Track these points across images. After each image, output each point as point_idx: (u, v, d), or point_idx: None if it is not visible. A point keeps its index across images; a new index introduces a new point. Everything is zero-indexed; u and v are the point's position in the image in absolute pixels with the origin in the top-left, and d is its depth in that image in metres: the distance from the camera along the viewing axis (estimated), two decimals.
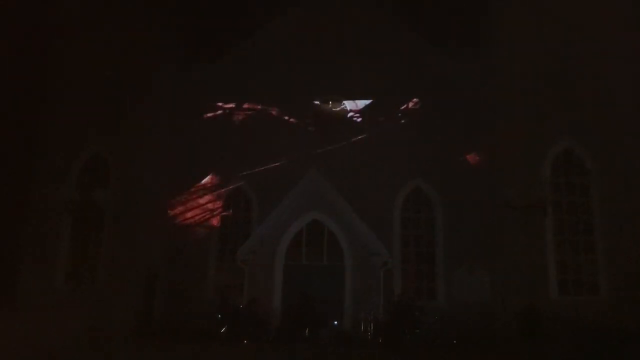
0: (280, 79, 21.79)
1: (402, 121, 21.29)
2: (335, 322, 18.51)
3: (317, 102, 22.13)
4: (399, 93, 21.41)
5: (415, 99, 21.23)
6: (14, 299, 19.74)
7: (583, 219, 18.78)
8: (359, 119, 21.72)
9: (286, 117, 22.09)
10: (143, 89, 20.82)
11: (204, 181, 21.85)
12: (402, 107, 21.40)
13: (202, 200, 21.77)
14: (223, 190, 21.84)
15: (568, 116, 18.95)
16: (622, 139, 18.59)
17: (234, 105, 22.33)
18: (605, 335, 15.63)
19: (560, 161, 19.23)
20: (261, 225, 20.51)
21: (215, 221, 21.67)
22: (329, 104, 22.11)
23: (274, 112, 22.13)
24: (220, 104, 22.35)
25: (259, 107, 22.14)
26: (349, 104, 21.89)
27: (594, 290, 18.15)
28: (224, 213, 21.75)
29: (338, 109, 22.02)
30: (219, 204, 21.82)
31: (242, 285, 19.84)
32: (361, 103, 21.78)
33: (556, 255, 18.51)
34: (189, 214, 21.61)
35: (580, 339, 15.94)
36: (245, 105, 22.24)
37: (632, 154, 18.45)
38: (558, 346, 16.09)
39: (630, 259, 17.66)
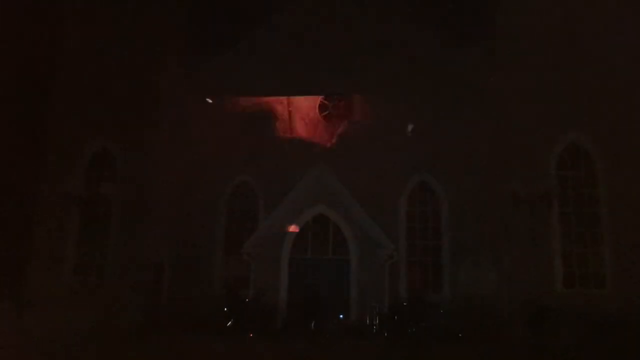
0: (286, 73, 21.71)
1: (408, 114, 21.17)
2: (341, 315, 18.59)
3: (323, 96, 22.10)
4: (405, 86, 21.28)
5: (420, 92, 21.10)
6: (23, 293, 19.91)
7: (589, 211, 18.71)
8: (365, 113, 21.66)
9: (292, 111, 22.06)
10: (150, 83, 20.91)
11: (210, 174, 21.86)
12: (407, 100, 21.28)
13: (208, 194, 21.80)
14: (229, 183, 21.92)
15: (574, 108, 18.86)
16: (628, 130, 18.47)
17: (240, 100, 22.31)
18: (611, 328, 15.64)
19: (566, 153, 19.16)
20: (267, 218, 20.60)
21: (221, 215, 21.72)
22: (334, 98, 22.08)
23: (280, 106, 22.12)
24: (226, 98, 22.32)
25: (266, 101, 22.12)
26: (354, 98, 21.83)
27: (600, 283, 18.11)
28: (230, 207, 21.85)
29: (344, 102, 21.99)
30: (224, 197, 21.90)
31: (248, 279, 19.97)
32: (367, 97, 21.71)
33: (562, 247, 18.48)
34: (195, 208, 21.64)
35: (585, 331, 15.96)
36: (252, 100, 22.22)
37: (638, 146, 18.34)
38: (563, 339, 16.11)
39: (637, 252, 17.60)
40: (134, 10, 21.43)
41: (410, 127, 19.77)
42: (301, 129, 21.81)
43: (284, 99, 22.07)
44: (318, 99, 22.12)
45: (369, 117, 21.52)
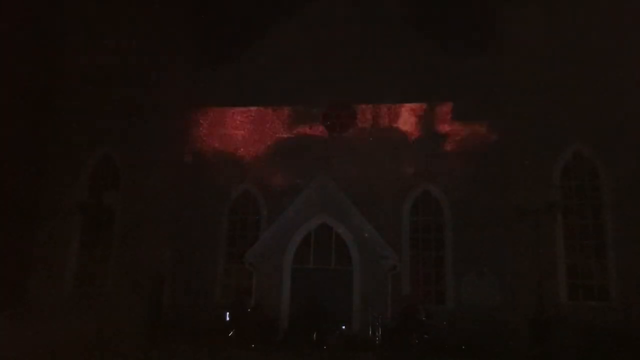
0: (289, 82, 21.75)
1: (412, 124, 21.17)
2: (343, 326, 18.46)
3: (326, 105, 22.09)
4: (408, 96, 21.31)
5: (424, 103, 21.11)
6: (24, 301, 19.85)
7: (593, 222, 18.64)
8: (368, 122, 21.64)
9: (296, 120, 22.07)
10: (153, 90, 20.95)
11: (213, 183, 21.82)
12: (411, 110, 21.29)
13: (211, 203, 21.75)
14: (232, 192, 21.89)
15: (578, 119, 18.83)
16: (632, 141, 18.43)
17: (243, 108, 22.31)
18: (615, 340, 15.52)
19: (570, 165, 19.11)
20: (269, 228, 20.54)
21: (223, 224, 21.67)
22: (339, 107, 22.07)
23: (283, 115, 22.12)
24: (229, 106, 22.34)
25: (269, 109, 22.13)
26: (358, 108, 21.82)
27: (604, 295, 18.00)
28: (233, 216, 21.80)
29: (348, 112, 21.98)
30: (227, 206, 21.85)
31: (250, 289, 19.88)
32: (370, 106, 21.69)
33: (566, 259, 18.40)
34: (197, 217, 21.57)
35: (589, 344, 15.84)
36: (255, 108, 22.22)
37: None
38: (567, 351, 15.98)
39: None
40: (138, 19, 21.50)
41: None
42: (304, 138, 21.79)
43: (287, 108, 22.07)
44: (322, 108, 22.09)
45: (373, 126, 21.49)
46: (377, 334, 17.84)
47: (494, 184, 19.52)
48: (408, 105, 21.35)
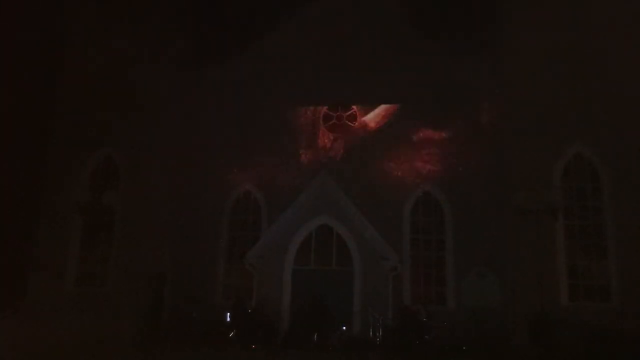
0: (290, 82, 21.76)
1: (412, 125, 21.16)
2: (344, 327, 18.46)
3: (327, 107, 22.10)
4: (409, 97, 21.31)
5: (425, 103, 21.11)
6: (24, 301, 19.84)
7: (594, 223, 18.63)
8: (369, 124, 21.64)
9: (297, 121, 22.06)
10: (154, 92, 20.93)
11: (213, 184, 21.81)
12: (412, 112, 21.28)
13: (211, 204, 21.75)
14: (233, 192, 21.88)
15: (579, 120, 18.83)
16: (633, 142, 18.43)
17: (244, 109, 22.29)
18: (616, 341, 15.51)
19: (571, 165, 19.11)
20: (270, 228, 20.53)
21: (224, 225, 21.66)
22: (339, 108, 22.08)
23: (284, 116, 22.12)
24: (230, 107, 22.31)
25: (270, 110, 22.11)
26: (359, 109, 21.83)
27: (605, 296, 18.00)
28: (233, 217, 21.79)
29: (348, 113, 21.99)
30: (228, 207, 21.85)
31: (250, 289, 19.86)
32: (371, 108, 21.69)
33: (567, 260, 18.38)
34: (198, 218, 21.56)
35: (590, 345, 15.83)
36: (255, 108, 22.20)
37: None
38: (568, 352, 15.98)
39: None
40: (139, 20, 21.47)
41: None
42: (305, 139, 21.79)
43: (287, 107, 22.05)
44: (322, 109, 22.10)
45: (373, 127, 21.50)
46: (377, 334, 17.86)
47: (494, 184, 19.53)
48: (407, 106, 21.35)
